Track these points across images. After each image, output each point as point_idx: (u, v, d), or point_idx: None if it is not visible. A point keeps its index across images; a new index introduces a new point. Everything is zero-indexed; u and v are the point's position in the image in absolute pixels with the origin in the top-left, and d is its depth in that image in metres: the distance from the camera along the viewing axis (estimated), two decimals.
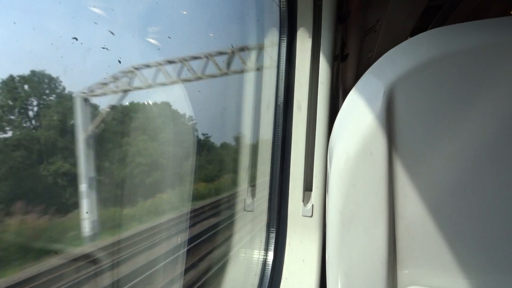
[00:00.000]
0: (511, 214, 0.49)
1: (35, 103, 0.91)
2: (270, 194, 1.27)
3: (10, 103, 0.84)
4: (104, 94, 1.07)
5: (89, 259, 1.13)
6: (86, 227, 1.10)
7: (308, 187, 1.21)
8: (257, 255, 1.26)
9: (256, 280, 1.21)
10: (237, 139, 1.46)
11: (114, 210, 1.22)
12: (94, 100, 1.04)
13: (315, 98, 1.20)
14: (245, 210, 1.34)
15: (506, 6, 2.38)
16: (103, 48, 0.83)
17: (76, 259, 1.12)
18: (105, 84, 1.07)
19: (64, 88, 0.94)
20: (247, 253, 1.31)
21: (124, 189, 1.25)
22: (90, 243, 1.13)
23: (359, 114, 0.55)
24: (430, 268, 0.54)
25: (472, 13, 2.33)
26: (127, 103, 1.18)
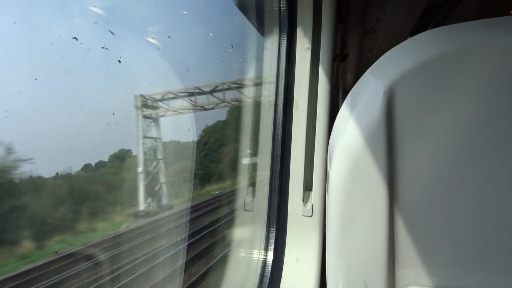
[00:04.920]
0: (510, 214, 0.49)
1: None
2: (270, 193, 1.27)
3: None
4: None
5: None
6: None
7: (308, 186, 1.21)
8: (257, 254, 1.26)
9: (256, 279, 1.21)
10: (238, 138, 1.46)
11: None
12: None
13: (315, 98, 1.20)
14: (244, 209, 1.34)
15: (506, 6, 2.38)
16: None
17: None
18: None
19: None
20: (248, 253, 1.31)
21: None
22: None
23: (359, 114, 0.55)
24: (430, 268, 0.54)
25: (472, 13, 2.33)
26: None
